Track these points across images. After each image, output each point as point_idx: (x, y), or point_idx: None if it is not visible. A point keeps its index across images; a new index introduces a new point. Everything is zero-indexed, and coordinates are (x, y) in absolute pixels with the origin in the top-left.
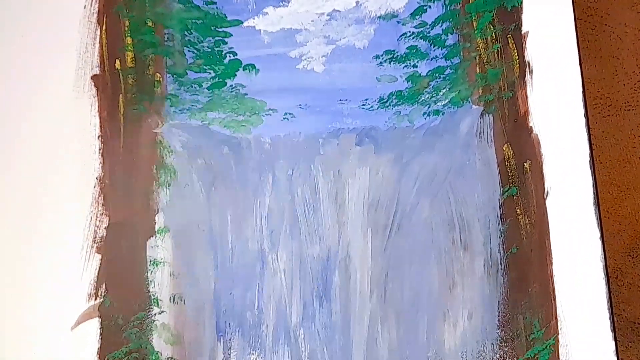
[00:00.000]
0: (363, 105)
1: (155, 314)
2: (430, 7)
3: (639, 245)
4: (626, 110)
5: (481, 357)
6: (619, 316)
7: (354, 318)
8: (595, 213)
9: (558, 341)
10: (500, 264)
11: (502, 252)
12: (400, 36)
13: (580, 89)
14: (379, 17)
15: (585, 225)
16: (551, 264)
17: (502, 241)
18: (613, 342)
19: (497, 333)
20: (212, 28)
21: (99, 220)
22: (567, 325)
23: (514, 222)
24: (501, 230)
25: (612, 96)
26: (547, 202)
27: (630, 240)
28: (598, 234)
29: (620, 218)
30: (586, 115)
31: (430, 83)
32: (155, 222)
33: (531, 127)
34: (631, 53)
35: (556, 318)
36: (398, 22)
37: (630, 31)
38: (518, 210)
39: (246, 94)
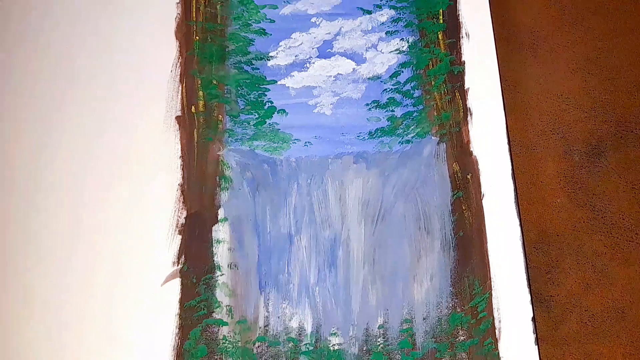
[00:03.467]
0: (358, 136)
1: (218, 276)
2: (403, 71)
3: (541, 240)
4: (532, 150)
5: (439, 306)
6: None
7: (352, 280)
8: (516, 210)
9: (491, 295)
10: (452, 243)
11: (452, 235)
12: (383, 91)
13: (504, 127)
14: (369, 78)
15: (508, 217)
16: (486, 243)
17: (453, 228)
18: (529, 295)
19: (450, 289)
20: (257, 85)
21: (180, 213)
22: (497, 284)
23: (461, 215)
24: (452, 220)
25: (522, 140)
26: (483, 201)
27: (535, 237)
28: (517, 222)
29: (528, 223)
30: (509, 143)
31: (403, 122)
32: (218, 214)
33: (471, 151)
34: (536, 111)
35: (490, 279)
36: (381, 81)
37: (534, 95)
38: (463, 207)
39: (279, 129)
